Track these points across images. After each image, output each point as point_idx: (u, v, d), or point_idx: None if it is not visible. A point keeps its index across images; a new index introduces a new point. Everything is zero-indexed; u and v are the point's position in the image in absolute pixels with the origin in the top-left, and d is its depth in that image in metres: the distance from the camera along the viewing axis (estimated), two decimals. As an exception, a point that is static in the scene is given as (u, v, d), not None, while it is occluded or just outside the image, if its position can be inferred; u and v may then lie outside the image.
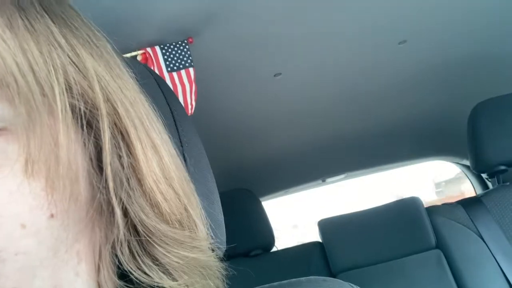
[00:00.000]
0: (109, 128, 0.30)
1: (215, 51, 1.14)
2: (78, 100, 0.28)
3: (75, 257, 0.29)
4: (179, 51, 1.04)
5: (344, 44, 1.27)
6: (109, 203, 0.30)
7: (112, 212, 0.30)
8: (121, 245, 0.31)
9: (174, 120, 0.47)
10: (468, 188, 2.26)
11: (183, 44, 1.04)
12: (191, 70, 1.05)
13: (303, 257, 1.52)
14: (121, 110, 0.30)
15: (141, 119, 0.32)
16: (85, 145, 0.29)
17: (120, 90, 0.31)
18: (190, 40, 1.05)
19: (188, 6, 0.96)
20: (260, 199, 1.72)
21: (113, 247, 0.31)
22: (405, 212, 1.45)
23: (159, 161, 0.32)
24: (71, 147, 0.28)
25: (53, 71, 0.27)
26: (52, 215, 0.27)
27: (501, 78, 1.65)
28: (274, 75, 1.34)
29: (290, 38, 1.16)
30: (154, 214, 0.31)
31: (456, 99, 1.77)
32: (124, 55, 1.06)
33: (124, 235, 0.30)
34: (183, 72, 1.05)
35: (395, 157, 2.23)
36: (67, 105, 0.27)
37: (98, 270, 0.31)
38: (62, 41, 0.29)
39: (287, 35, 1.15)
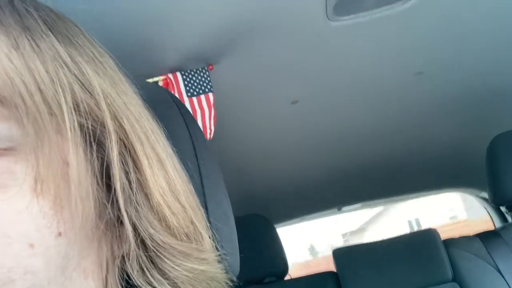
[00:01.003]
0: (116, 144, 0.30)
1: (234, 78, 1.16)
2: (85, 119, 0.29)
3: (81, 274, 0.29)
4: (199, 77, 1.06)
5: (361, 74, 1.28)
6: (118, 219, 0.30)
7: (119, 227, 0.31)
8: (131, 260, 0.31)
9: (193, 144, 0.48)
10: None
11: (203, 71, 1.07)
12: (210, 95, 1.08)
13: (317, 287, 1.50)
14: (127, 126, 0.31)
15: (146, 134, 0.32)
16: (91, 162, 0.29)
17: (125, 106, 0.31)
18: (210, 67, 1.07)
19: (209, 35, 0.99)
20: (275, 225, 1.71)
21: (121, 262, 0.31)
22: (421, 243, 1.43)
23: (165, 175, 0.32)
24: (80, 165, 0.28)
25: (60, 90, 0.27)
26: (59, 234, 0.26)
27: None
28: (292, 103, 1.36)
29: (307, 66, 1.18)
30: (162, 228, 0.31)
31: (474, 131, 1.76)
32: (147, 80, 1.09)
33: (134, 250, 0.30)
34: (202, 97, 1.07)
35: (412, 188, 2.21)
36: (75, 124, 0.28)
37: (106, 286, 0.31)
38: (68, 60, 0.29)
39: (305, 63, 1.16)
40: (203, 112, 1.08)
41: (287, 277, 1.61)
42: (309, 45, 1.08)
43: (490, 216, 2.23)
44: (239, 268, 0.49)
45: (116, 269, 0.31)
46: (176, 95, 1.05)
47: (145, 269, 0.31)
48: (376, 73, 1.30)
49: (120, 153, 0.30)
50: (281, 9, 0.95)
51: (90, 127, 0.29)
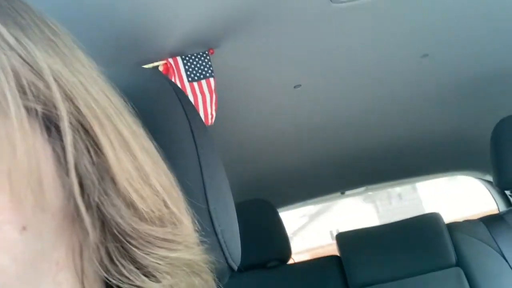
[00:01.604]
0: (73, 128, 0.28)
1: (235, 62, 1.15)
2: (35, 102, 0.27)
3: (54, 266, 0.27)
4: (200, 62, 1.05)
5: (365, 56, 1.26)
6: (87, 207, 0.28)
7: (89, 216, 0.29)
8: (98, 250, 0.29)
9: (192, 131, 0.47)
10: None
11: (204, 55, 1.05)
12: (211, 80, 1.06)
13: (320, 271, 1.51)
14: (83, 108, 0.29)
15: (108, 114, 0.30)
16: (54, 149, 0.28)
17: (82, 86, 0.29)
18: (211, 51, 1.06)
19: (209, 19, 0.97)
20: (278, 210, 1.71)
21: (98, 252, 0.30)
22: (425, 228, 1.43)
23: (130, 157, 0.31)
24: (31, 153, 0.26)
25: (2, 75, 0.25)
26: (24, 228, 0.25)
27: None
28: (294, 87, 1.35)
29: (310, 49, 1.16)
30: (131, 214, 0.30)
31: (479, 114, 1.74)
32: (146, 65, 1.08)
33: (100, 239, 0.29)
34: (203, 82, 1.06)
35: (416, 170, 2.20)
36: (22, 109, 0.26)
37: (82, 276, 0.29)
38: (12, 41, 0.27)
39: (307, 46, 1.15)
40: (204, 97, 1.07)
41: (290, 261, 1.62)
42: (311, 28, 1.07)
43: (495, 200, 2.22)
44: (240, 256, 0.49)
45: (89, 259, 0.29)
46: (177, 80, 1.04)
47: (114, 258, 0.29)
48: (381, 55, 1.28)
49: (80, 137, 0.28)
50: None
51: (40, 111, 0.27)
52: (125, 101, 0.34)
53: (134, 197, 0.30)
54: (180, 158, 0.44)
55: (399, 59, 1.31)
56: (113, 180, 0.29)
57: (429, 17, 1.14)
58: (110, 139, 0.29)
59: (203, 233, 0.37)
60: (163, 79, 0.52)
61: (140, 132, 0.34)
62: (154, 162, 0.33)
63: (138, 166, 0.31)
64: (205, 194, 0.44)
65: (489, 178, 2.10)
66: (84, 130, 0.28)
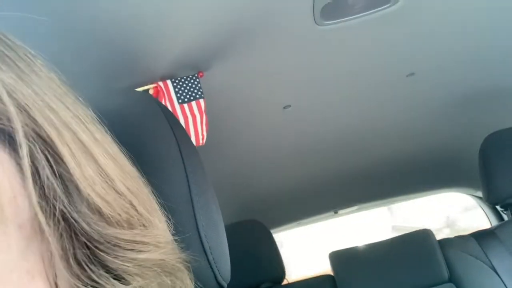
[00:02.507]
0: (29, 139, 0.28)
1: (224, 84, 1.17)
2: None
3: (25, 276, 0.27)
4: (189, 84, 1.07)
5: (351, 76, 1.29)
6: (54, 214, 0.28)
7: (56, 224, 0.29)
8: (67, 258, 0.29)
9: (180, 151, 0.49)
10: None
11: (194, 78, 1.07)
12: (201, 101, 1.08)
13: (314, 291, 1.50)
14: (39, 118, 0.28)
15: (66, 123, 0.30)
16: (15, 161, 0.27)
17: (37, 97, 0.29)
18: (201, 74, 1.08)
19: (199, 42, 0.99)
20: (272, 230, 1.71)
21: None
22: (417, 244, 1.43)
23: (92, 163, 0.31)
24: None
25: None
26: None
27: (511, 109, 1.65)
28: (284, 107, 1.36)
29: (298, 71, 1.19)
30: (97, 219, 0.30)
31: (467, 131, 1.77)
32: (137, 89, 1.09)
33: (68, 247, 0.29)
34: (193, 103, 1.07)
35: (407, 189, 2.21)
36: None
37: (54, 286, 0.29)
38: None
39: (295, 68, 1.17)
40: (195, 118, 1.08)
41: (284, 282, 1.61)
42: (298, 50, 1.09)
43: (487, 216, 2.23)
44: (229, 273, 0.49)
45: (63, 266, 0.29)
46: (167, 102, 1.05)
47: (84, 264, 0.30)
48: (368, 75, 1.31)
49: (39, 148, 0.28)
50: (268, 16, 0.95)
51: None
52: (94, 112, 0.34)
53: (99, 202, 0.30)
54: (168, 177, 0.45)
55: (386, 78, 1.34)
56: (77, 188, 0.29)
57: (414, 37, 1.17)
58: (69, 147, 0.29)
59: (188, 247, 0.38)
60: (151, 100, 0.53)
61: (104, 138, 0.34)
62: (119, 166, 0.33)
63: (101, 172, 0.31)
64: (194, 212, 0.45)
65: (481, 194, 2.12)
66: (42, 140, 0.28)
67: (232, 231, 1.59)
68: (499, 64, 1.41)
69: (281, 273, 1.57)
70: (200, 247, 0.44)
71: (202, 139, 1.13)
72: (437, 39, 1.20)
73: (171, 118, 0.52)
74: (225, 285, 0.48)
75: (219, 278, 0.46)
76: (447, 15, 1.10)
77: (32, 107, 0.28)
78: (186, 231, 0.43)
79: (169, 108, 1.06)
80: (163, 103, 1.05)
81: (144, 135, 0.48)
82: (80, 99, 0.34)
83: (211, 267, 0.44)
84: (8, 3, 0.66)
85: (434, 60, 1.31)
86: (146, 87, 1.04)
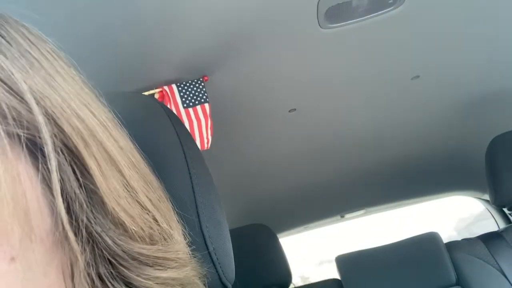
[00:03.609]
0: (57, 150, 0.27)
1: (229, 88, 1.17)
2: (17, 127, 0.25)
3: None
4: (195, 88, 1.07)
5: (356, 79, 1.29)
6: (76, 229, 0.28)
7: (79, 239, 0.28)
8: (89, 273, 0.28)
9: (184, 153, 0.49)
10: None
11: (199, 82, 1.08)
12: (206, 105, 1.08)
13: (321, 295, 1.50)
14: (67, 128, 0.28)
15: (92, 132, 0.29)
16: (43, 174, 0.26)
17: (64, 103, 0.28)
18: (206, 78, 1.08)
19: (204, 46, 1.00)
20: (278, 235, 1.70)
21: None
22: (424, 247, 1.42)
23: (118, 175, 0.30)
24: (16, 183, 0.25)
25: None
26: (12, 258, 0.24)
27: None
28: (289, 111, 1.37)
29: (302, 74, 1.19)
30: (120, 233, 0.29)
31: (473, 133, 1.76)
32: (143, 93, 1.10)
33: (90, 262, 0.28)
34: (198, 107, 1.08)
35: (414, 193, 2.20)
36: (3, 135, 0.25)
37: None
38: None
39: (300, 71, 1.17)
40: (200, 122, 1.09)
41: (291, 286, 1.61)
42: (302, 54, 1.09)
43: (494, 219, 2.22)
44: (234, 274, 0.49)
45: (85, 281, 0.28)
46: (172, 106, 1.06)
47: (106, 280, 0.29)
48: (373, 78, 1.31)
49: (65, 159, 0.27)
50: (273, 20, 0.96)
51: (23, 135, 0.26)
52: (110, 111, 0.33)
53: (123, 216, 0.29)
54: (172, 179, 0.45)
55: (391, 81, 1.34)
56: (102, 201, 0.28)
57: (418, 40, 1.17)
58: (96, 158, 0.29)
59: (194, 248, 0.38)
60: (155, 103, 0.54)
61: (128, 145, 0.33)
62: (142, 176, 0.33)
63: (126, 184, 0.30)
64: (198, 213, 0.45)
65: (488, 197, 2.11)
66: (68, 151, 0.27)
67: (239, 235, 1.59)
68: (504, 66, 1.40)
69: (288, 277, 1.57)
70: (204, 248, 0.44)
71: (207, 143, 1.14)
72: (441, 41, 1.20)
73: (174, 119, 0.52)
74: (230, 285, 0.48)
75: (223, 279, 0.46)
76: (451, 17, 1.10)
77: (60, 115, 0.27)
78: (190, 232, 0.43)
79: (174, 112, 1.06)
80: (168, 107, 1.06)
81: (149, 138, 0.48)
82: (101, 99, 0.33)
83: (215, 267, 0.45)
84: (10, 6, 0.67)
85: (438, 63, 1.30)
86: (151, 92, 1.05)
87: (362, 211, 2.33)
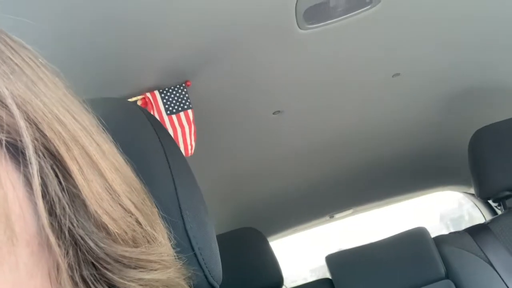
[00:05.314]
0: (39, 154, 0.27)
1: (213, 91, 1.18)
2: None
3: None
4: (177, 94, 1.07)
5: (338, 79, 1.30)
6: (61, 231, 0.28)
7: (62, 241, 0.28)
8: (73, 275, 0.28)
9: (166, 157, 0.49)
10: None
11: (181, 88, 1.08)
12: (189, 112, 1.08)
13: (313, 295, 1.50)
14: (49, 132, 0.28)
15: (74, 136, 0.30)
16: (22, 174, 0.27)
17: (46, 108, 0.29)
18: (188, 83, 1.08)
19: (185, 51, 1.00)
20: (268, 238, 1.70)
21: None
22: (412, 243, 1.43)
23: (99, 178, 0.30)
24: None
25: None
26: None
27: (498, 104, 1.67)
28: (273, 113, 1.37)
29: (284, 75, 1.20)
30: (103, 237, 0.29)
31: (455, 128, 1.78)
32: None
33: (74, 264, 0.28)
34: (182, 114, 1.08)
35: (401, 189, 2.22)
36: None
37: None
38: None
39: (282, 73, 1.18)
40: (183, 129, 1.09)
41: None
42: (283, 55, 1.10)
43: (481, 212, 2.24)
44: (221, 274, 0.49)
45: (67, 282, 0.28)
46: (156, 113, 1.06)
47: (89, 283, 0.29)
48: (354, 77, 1.32)
49: (47, 162, 0.27)
50: (252, 23, 0.96)
51: (4, 140, 0.26)
52: (93, 117, 0.33)
53: (106, 219, 0.29)
54: (154, 181, 0.45)
55: (372, 79, 1.35)
56: (84, 204, 0.29)
57: (397, 37, 1.18)
58: (78, 161, 0.29)
59: (179, 249, 0.38)
60: (137, 109, 0.54)
61: (110, 149, 0.33)
62: (125, 180, 0.33)
63: (108, 187, 0.31)
64: (181, 215, 0.45)
65: (473, 191, 2.13)
66: (50, 154, 0.28)
67: (229, 239, 1.59)
68: (484, 61, 1.42)
69: (279, 281, 1.57)
70: (190, 249, 0.44)
71: (191, 149, 1.14)
72: (420, 38, 1.22)
73: (156, 124, 0.52)
74: (217, 286, 0.48)
75: (210, 279, 0.46)
76: (429, 14, 1.12)
77: (41, 120, 0.28)
78: (175, 234, 0.44)
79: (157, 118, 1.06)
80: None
81: (130, 142, 0.48)
82: (84, 105, 0.34)
83: (201, 267, 0.45)
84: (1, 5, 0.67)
85: (418, 60, 1.32)
86: (134, 99, 1.05)
87: (350, 211, 2.35)
